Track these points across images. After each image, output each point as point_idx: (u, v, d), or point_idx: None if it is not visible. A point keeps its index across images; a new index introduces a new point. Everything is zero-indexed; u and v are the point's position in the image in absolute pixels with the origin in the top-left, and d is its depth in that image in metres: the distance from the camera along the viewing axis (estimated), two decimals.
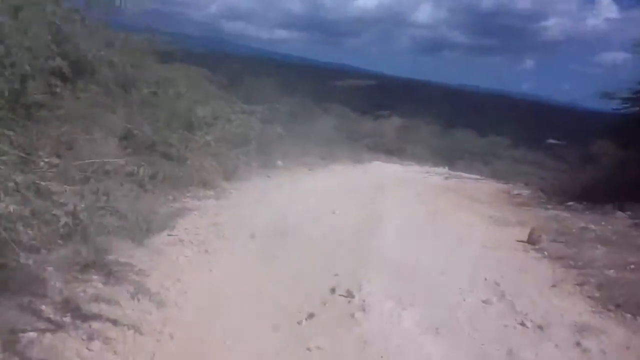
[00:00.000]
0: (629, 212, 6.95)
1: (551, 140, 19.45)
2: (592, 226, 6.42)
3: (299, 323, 2.99)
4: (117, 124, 4.78)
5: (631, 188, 7.43)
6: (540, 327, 3.23)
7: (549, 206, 8.00)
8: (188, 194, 5.79)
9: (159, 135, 5.14)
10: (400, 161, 14.59)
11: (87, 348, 2.40)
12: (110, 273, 2.93)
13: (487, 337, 3.03)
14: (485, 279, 4.16)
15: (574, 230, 6.23)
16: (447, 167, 14.64)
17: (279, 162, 9.68)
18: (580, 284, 4.26)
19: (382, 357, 2.69)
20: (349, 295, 3.45)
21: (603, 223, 6.63)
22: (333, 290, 3.51)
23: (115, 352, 2.42)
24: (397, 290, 3.62)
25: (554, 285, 4.21)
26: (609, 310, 3.70)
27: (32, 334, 2.40)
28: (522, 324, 3.26)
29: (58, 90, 3.12)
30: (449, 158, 18.04)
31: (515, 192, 9.31)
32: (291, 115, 14.14)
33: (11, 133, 2.38)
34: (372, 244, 4.86)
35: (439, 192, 8.78)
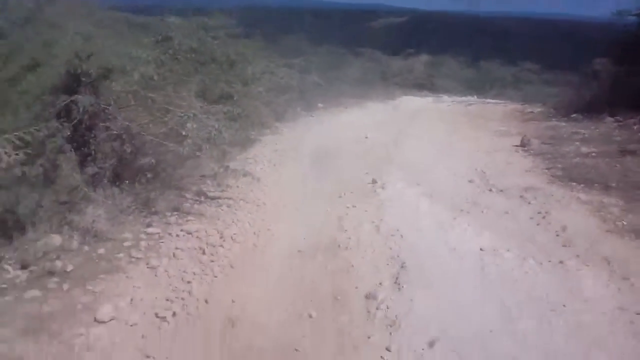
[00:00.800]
0: (617, 117, 8.18)
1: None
2: (582, 131, 7.75)
3: (340, 196, 4.70)
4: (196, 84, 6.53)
5: (623, 97, 8.59)
6: (501, 191, 4.81)
7: (553, 119, 9.27)
8: (252, 132, 7.52)
9: (225, 90, 6.87)
10: (429, 94, 15.82)
11: (220, 209, 4.22)
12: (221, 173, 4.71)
13: (462, 197, 4.65)
14: (476, 169, 5.71)
15: (564, 135, 7.58)
16: (475, 96, 15.77)
17: (320, 104, 11.27)
18: (549, 168, 5.74)
19: (391, 207, 4.37)
20: (374, 182, 5.12)
21: (592, 127, 7.93)
22: (362, 180, 5.20)
23: (235, 211, 4.22)
24: (407, 178, 5.26)
25: (527, 170, 5.72)
26: (561, 181, 5.20)
27: (188, 205, 4.23)
28: (490, 190, 4.85)
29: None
30: (479, 88, 19.01)
31: (529, 110, 10.55)
32: (326, 64, 15.63)
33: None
34: (394, 154, 6.48)
35: (458, 115, 10.16)
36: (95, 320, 2.70)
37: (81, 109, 3.53)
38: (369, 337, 2.69)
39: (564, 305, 2.89)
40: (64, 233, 3.37)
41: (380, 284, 3.16)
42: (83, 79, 3.71)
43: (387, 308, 2.91)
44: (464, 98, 14.75)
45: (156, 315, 2.82)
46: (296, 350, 2.61)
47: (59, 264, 3.13)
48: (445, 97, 14.67)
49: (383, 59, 20.06)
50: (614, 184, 4.91)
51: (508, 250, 3.55)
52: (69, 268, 3.13)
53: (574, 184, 5.09)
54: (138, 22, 8.19)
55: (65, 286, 2.96)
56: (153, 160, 4.07)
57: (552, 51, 25.90)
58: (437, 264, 3.38)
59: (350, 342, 2.65)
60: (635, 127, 7.47)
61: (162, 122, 4.14)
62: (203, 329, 2.75)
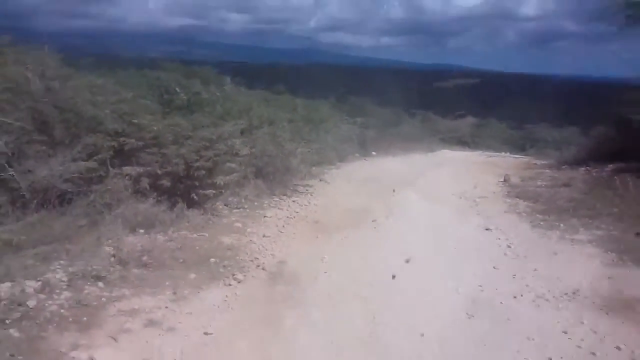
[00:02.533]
0: (587, 167, 11.21)
1: None
2: (556, 175, 10.86)
3: (372, 196, 8.28)
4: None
5: (603, 152, 11.59)
6: (466, 198, 8.20)
7: (547, 169, 12.36)
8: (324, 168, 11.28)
9: (307, 137, 10.78)
10: (467, 150, 19.14)
11: (309, 193, 7.94)
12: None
13: (440, 199, 8.08)
14: (465, 190, 9.07)
15: (540, 177, 10.74)
16: (508, 153, 18.86)
17: (373, 153, 14.98)
18: (509, 192, 9.00)
19: (400, 200, 7.88)
20: (394, 191, 8.66)
21: (565, 174, 11.02)
22: (388, 191, 8.76)
23: (308, 202, 7.91)
24: (415, 190, 8.76)
25: (494, 192, 9.01)
26: (510, 197, 8.47)
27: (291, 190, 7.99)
28: (460, 198, 8.25)
29: None
30: (519, 146, 22.03)
31: (534, 162, 13.67)
32: (384, 121, 19.54)
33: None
34: (413, 180, 9.97)
35: (478, 164, 13.46)
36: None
37: None
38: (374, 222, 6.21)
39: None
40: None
41: (381, 217, 6.68)
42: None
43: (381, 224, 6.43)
44: (496, 153, 17.92)
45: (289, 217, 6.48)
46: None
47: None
48: (479, 152, 17.93)
49: (433, 118, 23.69)
50: (541, 199, 8.14)
51: (448, 211, 6.99)
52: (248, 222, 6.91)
53: (517, 198, 8.36)
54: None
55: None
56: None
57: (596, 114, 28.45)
58: (410, 215, 6.88)
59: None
60: (592, 172, 10.49)
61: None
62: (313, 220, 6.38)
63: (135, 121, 5.80)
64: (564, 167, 12.51)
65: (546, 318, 4.10)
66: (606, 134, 12.61)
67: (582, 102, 34.40)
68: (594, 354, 3.57)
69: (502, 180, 10.25)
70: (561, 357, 3.55)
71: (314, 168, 9.17)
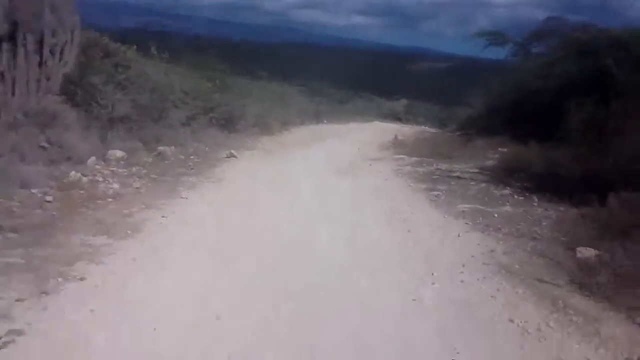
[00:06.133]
0: (451, 131, 18.26)
1: None
2: (429, 136, 17.90)
3: (313, 141, 15.07)
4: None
5: (464, 123, 18.69)
6: (370, 146, 15.14)
7: (426, 134, 19.39)
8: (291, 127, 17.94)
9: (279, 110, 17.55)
10: (397, 123, 26.10)
11: (277, 140, 14.72)
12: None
13: (355, 142, 14.97)
14: (369, 141, 15.93)
15: (421, 136, 17.74)
16: (426, 126, 25.94)
17: (324, 121, 21.78)
18: (394, 144, 15.91)
19: (328, 142, 14.70)
20: (327, 138, 15.49)
21: (435, 134, 18.07)
22: (323, 138, 15.56)
23: (281, 139, 14.66)
24: (341, 140, 15.62)
25: (380, 145, 15.91)
26: (387, 149, 15.40)
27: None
28: (365, 144, 15.15)
29: None
30: (441, 123, 29.10)
31: (427, 130, 20.74)
32: (336, 100, 26.42)
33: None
34: (344, 136, 16.82)
35: (390, 130, 20.38)
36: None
37: None
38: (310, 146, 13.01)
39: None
40: None
41: (315, 144, 13.46)
42: None
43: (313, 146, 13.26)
44: (414, 126, 24.95)
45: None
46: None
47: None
48: (402, 125, 24.95)
49: (377, 100, 30.61)
50: (407, 147, 15.09)
51: (352, 147, 13.89)
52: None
53: (394, 145, 15.29)
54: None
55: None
56: None
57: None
58: (330, 145, 13.75)
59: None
60: (448, 133, 17.52)
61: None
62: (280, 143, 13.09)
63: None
64: (439, 131, 19.61)
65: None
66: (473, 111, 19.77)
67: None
68: None
69: (393, 137, 17.22)
70: None
71: (284, 126, 15.89)
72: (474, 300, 3.67)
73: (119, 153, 7.88)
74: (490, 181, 8.01)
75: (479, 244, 4.92)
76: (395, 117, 28.56)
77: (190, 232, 4.80)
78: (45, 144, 7.13)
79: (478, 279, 4.03)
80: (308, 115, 20.81)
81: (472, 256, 4.57)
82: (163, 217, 5.18)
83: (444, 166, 9.84)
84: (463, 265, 4.33)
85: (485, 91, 17.09)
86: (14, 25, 7.88)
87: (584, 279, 3.96)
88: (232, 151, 10.20)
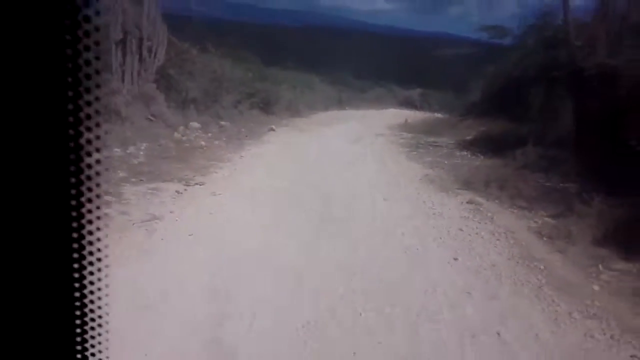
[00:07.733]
0: (454, 116, 21.26)
1: None
2: (435, 121, 20.96)
3: (334, 121, 18.35)
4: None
5: (468, 109, 21.67)
6: (384, 128, 18.36)
7: (440, 117, 22.39)
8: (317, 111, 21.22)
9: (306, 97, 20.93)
10: (412, 110, 29.10)
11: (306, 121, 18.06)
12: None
13: (369, 126, 18.20)
14: (382, 125, 19.11)
15: (428, 121, 20.80)
16: (436, 113, 28.90)
17: (346, 107, 25.04)
18: (405, 126, 19.05)
19: (347, 123, 17.97)
20: (347, 120, 18.76)
21: (441, 119, 21.10)
22: (338, 119, 18.85)
23: (308, 120, 17.99)
24: (357, 122, 18.87)
25: (389, 126, 19.06)
26: (401, 131, 18.56)
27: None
28: (378, 127, 18.36)
29: None
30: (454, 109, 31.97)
31: (437, 116, 23.76)
32: (356, 88, 29.60)
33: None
34: (362, 119, 20.04)
35: (402, 116, 23.47)
36: None
37: None
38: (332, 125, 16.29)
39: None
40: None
41: (336, 124, 16.76)
42: None
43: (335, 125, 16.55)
44: (427, 113, 27.93)
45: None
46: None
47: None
48: (415, 112, 27.96)
49: (395, 89, 33.64)
50: (414, 128, 18.22)
51: (365, 127, 17.14)
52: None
53: (404, 129, 18.44)
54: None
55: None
56: None
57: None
58: (349, 125, 17.04)
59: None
60: (453, 119, 20.50)
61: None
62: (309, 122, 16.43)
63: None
64: (446, 116, 22.61)
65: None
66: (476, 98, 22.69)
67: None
68: None
69: (404, 121, 20.34)
70: None
71: (311, 111, 19.24)
72: (410, 193, 7.00)
73: (196, 124, 11.34)
74: (458, 148, 11.21)
75: (425, 174, 8.22)
76: (412, 105, 31.55)
77: (257, 160, 8.36)
78: (151, 117, 10.65)
79: (416, 187, 7.35)
80: (331, 102, 24.09)
81: (418, 178, 7.89)
82: (241, 156, 8.68)
83: (430, 139, 13.04)
84: (410, 181, 7.64)
85: (482, 78, 20.05)
86: (125, 33, 11.40)
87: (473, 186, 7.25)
88: (272, 126, 13.61)
